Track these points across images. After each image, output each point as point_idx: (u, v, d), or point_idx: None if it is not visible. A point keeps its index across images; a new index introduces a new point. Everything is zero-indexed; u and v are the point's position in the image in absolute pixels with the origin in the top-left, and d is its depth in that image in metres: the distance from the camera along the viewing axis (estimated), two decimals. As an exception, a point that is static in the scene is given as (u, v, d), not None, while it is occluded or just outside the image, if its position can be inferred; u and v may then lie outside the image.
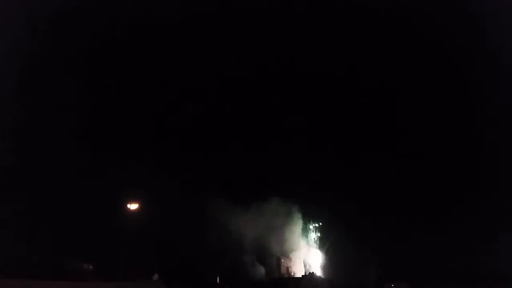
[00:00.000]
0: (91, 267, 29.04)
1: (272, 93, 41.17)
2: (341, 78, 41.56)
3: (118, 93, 34.37)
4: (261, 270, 36.77)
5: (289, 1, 38.85)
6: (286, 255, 39.03)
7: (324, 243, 38.90)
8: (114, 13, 33.82)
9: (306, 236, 39.82)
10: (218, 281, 33.54)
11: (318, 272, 38.07)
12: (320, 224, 39.36)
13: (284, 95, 41.60)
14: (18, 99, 29.37)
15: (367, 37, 40.16)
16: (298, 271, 38.83)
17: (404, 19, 37.12)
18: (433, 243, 33.03)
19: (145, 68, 36.75)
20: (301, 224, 39.19)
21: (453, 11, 34.18)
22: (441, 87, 38.48)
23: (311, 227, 39.64)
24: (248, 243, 36.04)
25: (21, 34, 28.69)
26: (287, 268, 38.79)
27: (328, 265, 38.21)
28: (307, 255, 39.69)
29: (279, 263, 38.16)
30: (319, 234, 39.50)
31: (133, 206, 27.75)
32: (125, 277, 25.52)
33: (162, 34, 36.37)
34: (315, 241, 39.50)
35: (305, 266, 39.36)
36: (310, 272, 36.69)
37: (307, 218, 39.28)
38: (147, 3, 35.69)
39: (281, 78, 42.19)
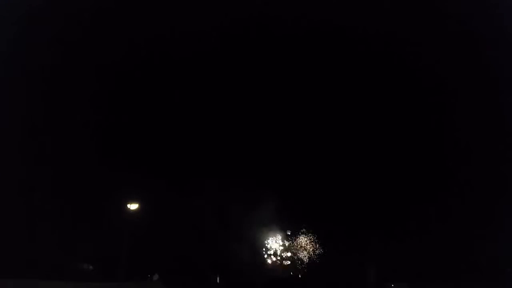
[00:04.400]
0: (91, 267, 29.10)
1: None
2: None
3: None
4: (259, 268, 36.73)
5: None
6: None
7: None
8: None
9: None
10: (218, 281, 33.62)
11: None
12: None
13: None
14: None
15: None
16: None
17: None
18: (433, 243, 32.97)
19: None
20: None
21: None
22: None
23: None
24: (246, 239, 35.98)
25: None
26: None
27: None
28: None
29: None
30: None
31: (133, 206, 27.84)
32: (125, 277, 25.57)
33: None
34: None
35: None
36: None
37: None
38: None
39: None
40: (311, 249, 39.61)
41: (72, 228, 27.68)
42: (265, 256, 38.09)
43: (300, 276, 38.00)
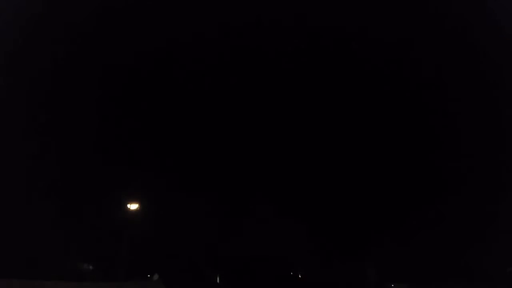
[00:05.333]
0: (91, 267, 29.05)
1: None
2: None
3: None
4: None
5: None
6: None
7: None
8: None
9: None
10: (218, 280, 33.61)
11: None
12: None
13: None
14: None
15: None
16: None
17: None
18: (434, 243, 32.99)
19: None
20: None
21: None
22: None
23: None
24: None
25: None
26: None
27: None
28: None
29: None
30: None
31: (133, 206, 27.80)
32: (125, 277, 25.51)
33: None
34: None
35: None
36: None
37: None
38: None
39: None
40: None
41: (72, 227, 27.63)
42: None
43: (300, 276, 38.07)
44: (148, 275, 29.39)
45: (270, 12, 34.63)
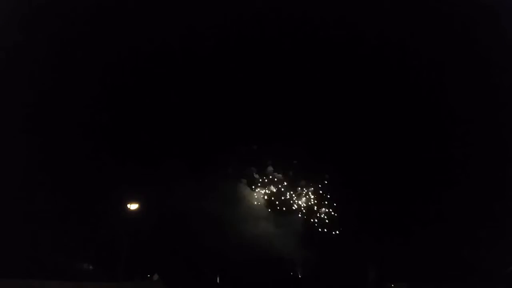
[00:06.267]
0: (91, 267, 29.07)
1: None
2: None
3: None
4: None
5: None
6: None
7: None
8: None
9: None
10: (218, 281, 33.62)
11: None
12: None
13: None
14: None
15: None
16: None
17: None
18: (433, 243, 33.00)
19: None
20: None
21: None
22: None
23: None
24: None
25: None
26: None
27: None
28: None
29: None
30: None
31: (133, 206, 27.79)
32: (125, 277, 25.53)
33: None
34: None
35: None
36: None
37: None
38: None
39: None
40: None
41: (72, 228, 27.64)
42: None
43: (300, 276, 38.05)
44: (148, 275, 29.44)
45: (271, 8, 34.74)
